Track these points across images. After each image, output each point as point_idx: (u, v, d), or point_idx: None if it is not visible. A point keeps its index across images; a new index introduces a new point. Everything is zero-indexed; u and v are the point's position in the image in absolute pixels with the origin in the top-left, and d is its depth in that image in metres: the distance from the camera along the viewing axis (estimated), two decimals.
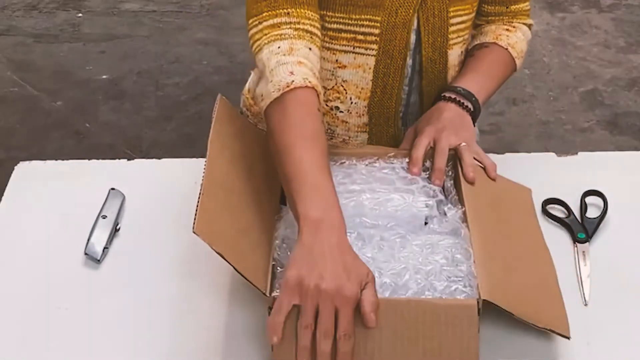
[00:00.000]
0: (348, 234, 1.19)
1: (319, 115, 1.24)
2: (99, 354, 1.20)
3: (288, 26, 1.29)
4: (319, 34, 1.33)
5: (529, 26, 1.58)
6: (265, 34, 1.29)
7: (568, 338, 1.15)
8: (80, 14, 3.88)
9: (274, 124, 1.24)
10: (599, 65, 3.51)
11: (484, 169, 1.38)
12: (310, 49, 1.29)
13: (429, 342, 1.10)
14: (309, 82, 1.24)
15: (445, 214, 1.29)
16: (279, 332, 1.08)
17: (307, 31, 1.30)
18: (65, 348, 1.21)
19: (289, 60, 1.25)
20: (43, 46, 3.66)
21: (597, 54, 3.59)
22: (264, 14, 1.30)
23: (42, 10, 3.92)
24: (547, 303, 1.20)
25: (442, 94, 1.44)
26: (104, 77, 3.39)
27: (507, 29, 1.54)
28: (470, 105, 1.43)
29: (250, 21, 1.33)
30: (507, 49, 1.52)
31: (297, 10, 1.30)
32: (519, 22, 1.56)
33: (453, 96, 1.42)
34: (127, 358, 1.20)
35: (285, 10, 1.30)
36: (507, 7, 1.54)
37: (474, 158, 1.37)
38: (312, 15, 1.32)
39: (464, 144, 1.36)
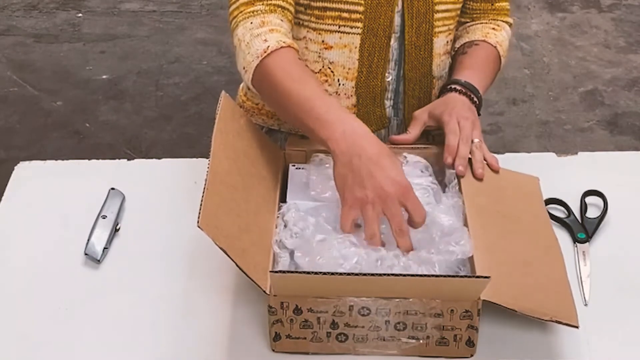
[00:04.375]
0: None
1: (302, 62, 1.35)
2: (99, 354, 1.20)
3: (260, 3, 1.37)
4: (291, 9, 1.41)
5: (510, 25, 1.61)
6: (241, 11, 1.38)
7: (576, 327, 1.15)
8: (80, 14, 3.88)
9: (264, 89, 1.34)
10: (599, 65, 3.51)
11: (487, 164, 1.38)
12: (281, 20, 1.38)
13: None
14: (283, 42, 1.32)
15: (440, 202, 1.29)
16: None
17: (278, 6, 1.38)
18: (65, 348, 1.21)
19: (261, 31, 1.34)
20: (43, 46, 3.65)
21: (597, 54, 3.58)
22: None
23: (42, 10, 3.92)
24: (553, 294, 1.20)
25: (450, 86, 1.45)
26: (104, 77, 3.38)
27: (494, 28, 1.56)
28: (476, 99, 1.44)
29: (230, 0, 1.41)
30: (495, 47, 1.54)
31: None
32: (501, 21, 1.59)
33: (463, 90, 1.44)
34: (127, 358, 1.20)
35: None
36: (492, 5, 1.58)
37: None
38: None
39: (477, 140, 1.37)
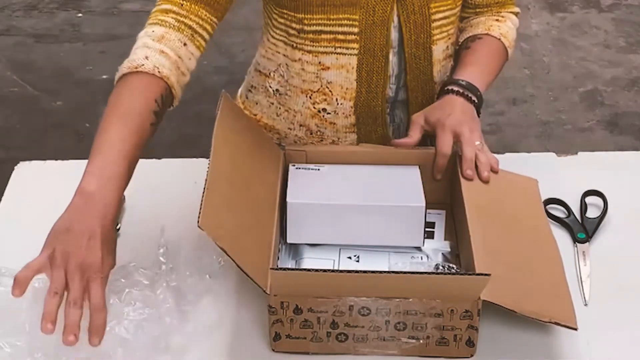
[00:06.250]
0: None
1: (151, 102, 1.25)
2: (99, 354, 1.20)
3: (174, 15, 1.32)
4: (205, 35, 1.35)
5: (516, 14, 1.59)
6: (154, 15, 1.34)
7: (575, 329, 1.15)
8: (80, 14, 3.88)
9: (108, 101, 1.26)
10: (599, 65, 3.51)
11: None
12: (185, 44, 1.32)
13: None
14: (159, 71, 1.26)
15: None
16: (22, 287, 1.10)
17: (190, 27, 1.33)
18: (64, 347, 1.21)
19: (153, 45, 1.29)
20: (43, 46, 3.66)
21: (597, 54, 3.58)
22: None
23: (42, 10, 3.92)
24: (553, 296, 1.20)
25: (447, 87, 1.44)
26: (104, 77, 3.38)
27: (497, 20, 1.55)
28: (475, 98, 1.43)
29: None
30: (499, 39, 1.53)
31: (192, 6, 1.33)
32: (506, 12, 1.57)
33: (461, 90, 1.43)
34: (127, 357, 1.19)
35: (180, 1, 1.33)
36: None
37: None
38: (205, 15, 1.34)
39: (477, 143, 1.37)
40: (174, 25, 1.32)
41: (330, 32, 1.42)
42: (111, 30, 3.73)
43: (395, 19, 1.43)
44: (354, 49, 1.43)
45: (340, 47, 1.43)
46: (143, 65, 1.26)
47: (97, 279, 1.12)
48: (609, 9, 3.90)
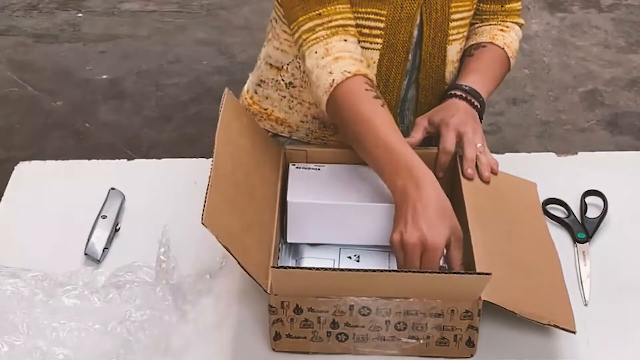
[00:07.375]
0: None
1: (368, 94, 1.32)
2: (98, 353, 1.20)
3: (321, 27, 1.35)
4: (352, 23, 1.38)
5: (521, 26, 1.60)
6: (304, 39, 1.37)
7: (574, 332, 1.15)
8: (80, 14, 3.88)
9: (337, 122, 1.37)
10: (599, 65, 3.51)
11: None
12: (345, 40, 1.36)
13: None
14: (348, 72, 1.32)
15: None
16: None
17: (339, 26, 1.36)
18: (64, 346, 1.21)
19: (326, 62, 1.33)
20: (43, 46, 3.66)
21: (597, 54, 3.58)
22: (300, 20, 1.37)
23: (42, 10, 3.92)
24: (552, 299, 1.20)
25: (451, 92, 1.45)
26: (104, 77, 3.39)
27: (502, 29, 1.55)
28: (477, 104, 1.44)
29: (291, 27, 1.39)
30: (503, 48, 1.53)
31: (327, 8, 1.36)
32: (511, 22, 1.57)
33: (464, 95, 1.43)
34: (127, 357, 1.20)
35: (316, 12, 1.35)
36: (502, 6, 1.56)
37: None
38: (342, 8, 1.37)
39: (479, 145, 1.38)
40: (327, 35, 1.35)
41: (357, 26, 1.41)
42: (111, 30, 3.73)
43: (418, 17, 1.43)
44: (377, 43, 1.43)
45: (364, 42, 1.42)
46: (334, 80, 1.32)
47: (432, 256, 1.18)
48: (609, 9, 3.90)
